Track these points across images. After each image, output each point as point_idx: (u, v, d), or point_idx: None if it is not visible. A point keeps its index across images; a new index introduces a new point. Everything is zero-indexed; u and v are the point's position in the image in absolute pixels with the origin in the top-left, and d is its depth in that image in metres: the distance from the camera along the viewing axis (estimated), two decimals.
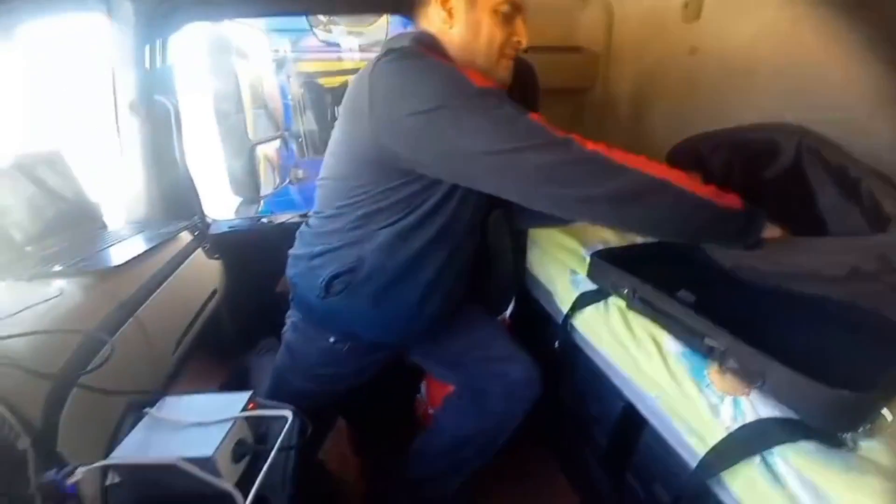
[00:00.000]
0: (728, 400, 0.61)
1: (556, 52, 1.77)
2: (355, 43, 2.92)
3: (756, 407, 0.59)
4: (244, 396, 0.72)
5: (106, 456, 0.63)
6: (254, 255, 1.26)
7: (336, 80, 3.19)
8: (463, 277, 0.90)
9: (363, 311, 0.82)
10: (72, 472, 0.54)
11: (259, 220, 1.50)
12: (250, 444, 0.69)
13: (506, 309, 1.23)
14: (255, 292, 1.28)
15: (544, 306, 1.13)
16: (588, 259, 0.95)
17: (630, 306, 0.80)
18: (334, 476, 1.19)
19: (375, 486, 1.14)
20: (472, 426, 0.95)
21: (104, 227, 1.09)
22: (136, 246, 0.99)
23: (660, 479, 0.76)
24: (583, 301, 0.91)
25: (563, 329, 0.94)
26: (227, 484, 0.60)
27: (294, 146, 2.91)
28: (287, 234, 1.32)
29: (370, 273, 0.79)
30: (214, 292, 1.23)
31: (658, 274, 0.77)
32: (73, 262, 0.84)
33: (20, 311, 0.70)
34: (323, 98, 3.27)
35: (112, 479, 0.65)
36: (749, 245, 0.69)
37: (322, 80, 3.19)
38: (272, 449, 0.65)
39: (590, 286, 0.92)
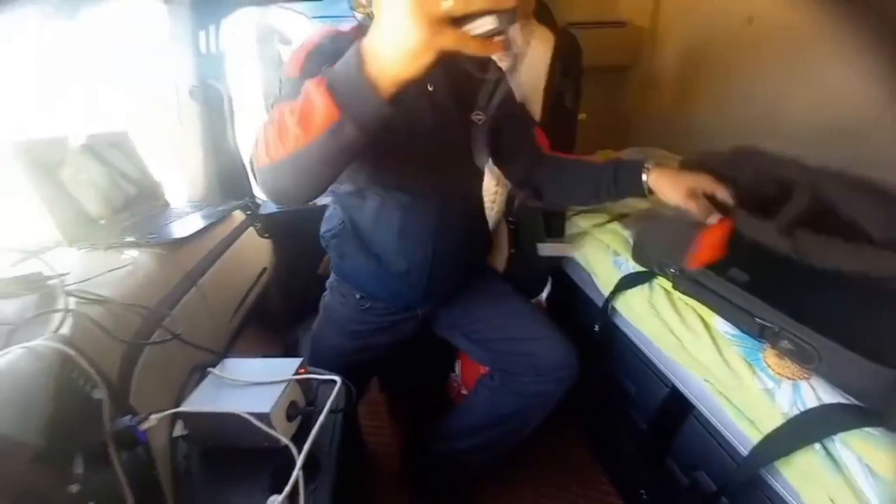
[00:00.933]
0: (786, 384, 0.58)
1: (597, 27, 1.69)
2: None
3: (818, 391, 0.56)
4: (296, 362, 0.77)
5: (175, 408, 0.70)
6: (299, 236, 1.31)
7: None
8: (445, 237, 0.83)
9: (358, 267, 0.87)
10: (144, 419, 0.59)
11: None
12: (302, 406, 0.74)
13: (542, 291, 1.21)
14: (301, 272, 1.33)
15: (583, 289, 1.11)
16: (632, 241, 0.93)
17: (677, 287, 0.77)
18: (370, 441, 1.24)
19: (408, 453, 1.18)
20: (504, 409, 0.95)
21: (167, 204, 1.17)
22: (195, 222, 1.06)
23: (705, 465, 0.74)
24: (626, 283, 0.89)
25: (604, 311, 0.93)
26: (284, 438, 0.64)
27: None
28: None
29: (351, 230, 0.85)
30: (265, 270, 1.30)
31: None
32: (143, 234, 0.92)
33: (100, 274, 0.77)
34: None
35: (180, 431, 0.71)
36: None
37: None
38: (321, 411, 0.69)
39: (633, 268, 0.90)
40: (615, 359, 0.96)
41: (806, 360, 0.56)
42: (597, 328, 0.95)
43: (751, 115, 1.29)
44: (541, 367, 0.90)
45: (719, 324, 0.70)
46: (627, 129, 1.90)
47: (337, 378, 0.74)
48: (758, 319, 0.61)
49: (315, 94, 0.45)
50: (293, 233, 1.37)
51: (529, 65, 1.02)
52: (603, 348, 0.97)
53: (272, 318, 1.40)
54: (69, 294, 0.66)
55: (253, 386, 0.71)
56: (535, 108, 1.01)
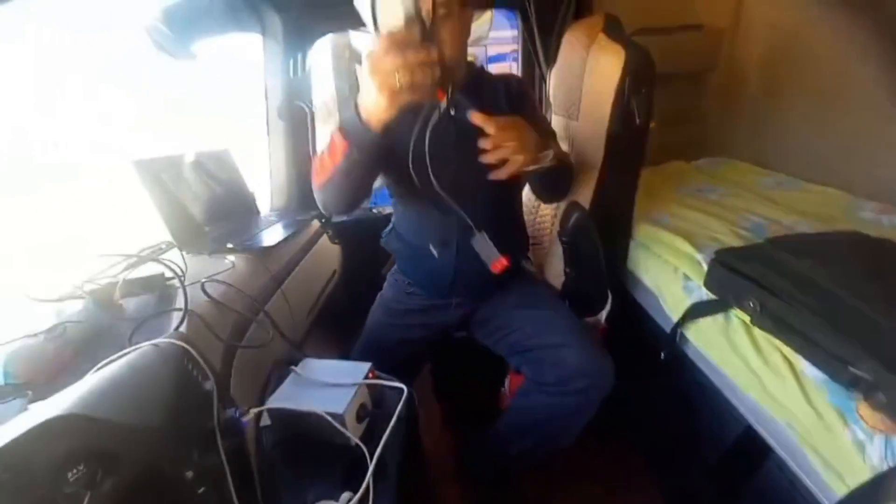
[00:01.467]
0: (879, 438, 0.53)
1: (671, 33, 1.61)
2: None
3: None
4: (366, 366, 0.83)
5: (259, 402, 0.79)
6: (364, 242, 1.41)
7: None
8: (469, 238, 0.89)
9: (400, 254, 1.09)
10: (246, 412, 0.68)
11: (370, 210, 1.66)
12: (370, 408, 0.80)
13: (601, 310, 1.19)
14: (365, 273, 1.43)
15: (649, 311, 1.07)
16: (704, 265, 0.88)
17: (756, 322, 0.72)
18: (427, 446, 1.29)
19: (463, 459, 1.21)
20: (535, 415, 0.95)
21: (258, 213, 1.32)
22: (280, 231, 1.18)
23: None
24: (697, 311, 0.85)
25: (672, 339, 0.89)
26: (355, 437, 0.70)
27: None
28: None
29: (395, 228, 1.08)
30: (335, 272, 1.41)
31: (797, 279, 0.68)
32: (240, 242, 1.04)
33: (208, 277, 0.89)
34: None
35: (265, 421, 0.80)
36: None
37: None
38: (390, 414, 0.75)
39: (705, 295, 0.85)
40: (684, 389, 0.91)
41: None
42: (663, 356, 0.91)
43: (845, 123, 1.16)
44: (563, 375, 0.88)
45: (806, 366, 0.65)
46: (704, 138, 1.78)
47: (403, 386, 0.79)
48: (851, 370, 0.56)
49: (336, 135, 0.74)
50: (359, 239, 1.47)
51: (597, 79, 1.01)
52: (669, 376, 0.93)
53: (339, 317, 1.51)
54: (187, 293, 0.77)
55: (329, 387, 0.78)
56: (602, 124, 0.99)
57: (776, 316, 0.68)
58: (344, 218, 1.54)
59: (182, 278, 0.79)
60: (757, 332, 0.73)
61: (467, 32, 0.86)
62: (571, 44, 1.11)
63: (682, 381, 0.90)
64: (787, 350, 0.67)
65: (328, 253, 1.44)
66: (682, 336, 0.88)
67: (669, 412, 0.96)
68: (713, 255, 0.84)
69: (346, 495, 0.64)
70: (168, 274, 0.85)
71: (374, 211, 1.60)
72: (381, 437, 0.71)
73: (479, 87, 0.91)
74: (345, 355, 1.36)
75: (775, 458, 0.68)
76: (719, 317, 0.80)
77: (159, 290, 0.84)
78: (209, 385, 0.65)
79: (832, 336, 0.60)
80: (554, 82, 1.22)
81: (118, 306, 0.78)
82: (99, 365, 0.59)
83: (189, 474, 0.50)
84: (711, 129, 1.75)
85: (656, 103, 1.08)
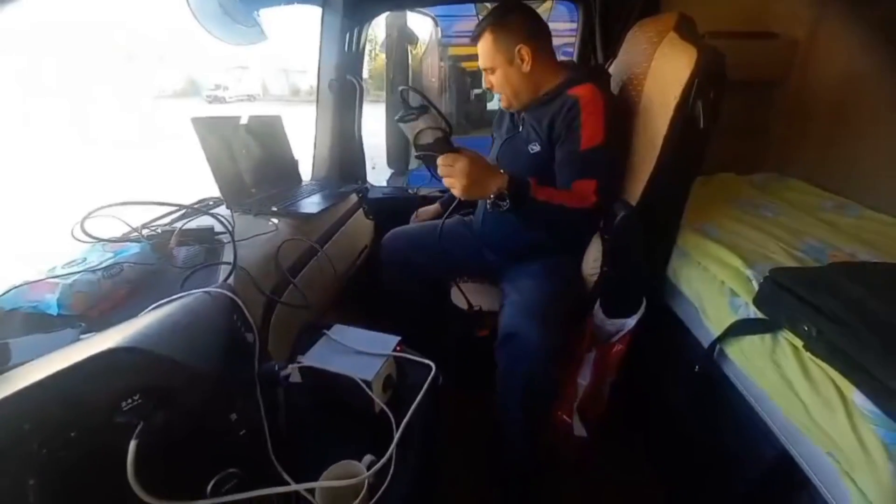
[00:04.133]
0: None
1: (742, 38, 1.52)
2: None
3: None
4: (395, 339, 0.85)
5: (290, 360, 0.81)
6: (398, 219, 1.42)
7: (476, 65, 3.33)
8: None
9: None
10: (284, 367, 0.70)
11: (406, 190, 1.67)
12: (395, 380, 0.81)
13: (634, 314, 1.16)
14: None
15: (685, 322, 1.04)
16: (754, 282, 0.84)
17: (809, 347, 0.69)
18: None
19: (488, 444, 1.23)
20: (502, 381, 1.02)
21: (300, 180, 1.34)
22: (321, 200, 1.20)
23: None
24: (741, 328, 0.81)
25: (710, 353, 0.86)
26: (382, 404, 0.72)
27: None
28: (427, 204, 1.46)
29: None
30: (366, 247, 1.43)
31: (857, 307, 0.64)
32: (284, 206, 1.07)
33: (252, 236, 0.92)
34: (463, 80, 3.43)
35: (295, 378, 0.83)
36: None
37: (465, 64, 3.35)
38: (415, 388, 0.76)
39: (753, 313, 0.82)
40: (716, 406, 0.88)
41: None
42: (697, 369, 0.89)
43: None
44: (500, 332, 0.99)
45: (858, 397, 0.61)
46: (766, 152, 1.69)
47: (432, 364, 0.80)
48: None
49: None
50: (393, 216, 1.48)
51: (663, 78, 0.97)
52: (701, 391, 0.90)
53: (366, 291, 1.54)
54: (236, 248, 0.80)
55: (359, 354, 0.80)
56: (661, 124, 0.95)
57: (832, 343, 0.64)
58: (379, 195, 1.56)
59: (233, 234, 0.82)
60: (806, 356, 0.69)
61: (517, 75, 1.07)
62: (639, 39, 1.07)
63: (716, 399, 0.87)
64: (838, 378, 0.64)
65: (363, 227, 1.46)
66: (721, 352, 0.85)
67: (697, 429, 0.93)
68: (768, 272, 0.80)
69: (368, 458, 0.65)
70: (218, 228, 0.88)
71: (410, 191, 1.60)
72: (405, 409, 0.72)
73: (544, 106, 1.06)
74: (370, 327, 1.40)
75: (811, 489, 0.65)
76: (767, 337, 0.76)
77: (209, 243, 0.87)
78: (251, 337, 0.68)
79: (888, 368, 0.56)
80: (616, 78, 1.18)
81: (171, 253, 0.82)
82: (155, 304, 0.62)
83: (233, 416, 0.53)
84: (771, 143, 1.66)
85: (727, 111, 1.03)
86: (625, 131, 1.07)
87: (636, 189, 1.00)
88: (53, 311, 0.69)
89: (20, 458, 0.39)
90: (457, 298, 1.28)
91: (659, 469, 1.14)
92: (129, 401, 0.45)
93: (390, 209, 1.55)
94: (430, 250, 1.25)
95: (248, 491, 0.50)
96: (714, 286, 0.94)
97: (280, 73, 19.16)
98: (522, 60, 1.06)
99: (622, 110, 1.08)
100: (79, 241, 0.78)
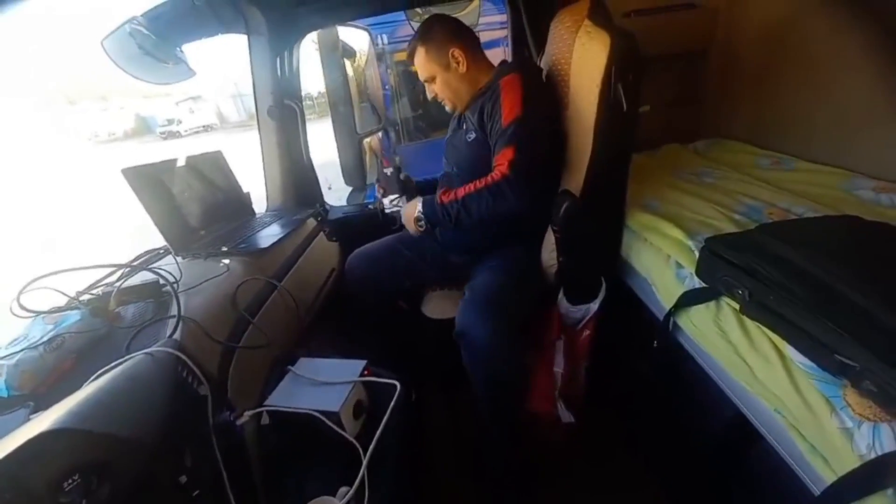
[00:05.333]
0: (866, 425, 0.53)
1: (664, 13, 1.57)
2: None
3: None
4: (361, 364, 0.85)
5: (259, 402, 0.81)
6: (364, 236, 1.41)
7: None
8: None
9: None
10: (240, 415, 0.70)
11: (367, 206, 1.66)
12: (366, 404, 0.82)
13: (595, 298, 1.19)
14: None
15: (641, 299, 1.07)
16: (696, 252, 0.88)
17: (745, 311, 0.72)
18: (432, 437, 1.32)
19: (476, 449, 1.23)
20: (471, 373, 1.03)
21: (252, 213, 1.32)
22: (277, 230, 1.19)
23: (772, 498, 0.70)
24: (689, 298, 0.84)
25: (664, 327, 0.89)
26: (350, 436, 0.72)
27: (392, 134, 3.09)
28: (390, 219, 1.46)
29: None
30: (333, 270, 1.42)
31: (786, 267, 0.67)
32: (234, 244, 1.05)
33: (202, 282, 0.90)
34: (416, 85, 3.42)
35: (265, 420, 0.82)
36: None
37: (413, 68, 3.33)
38: (385, 410, 0.76)
39: (698, 283, 0.85)
40: (675, 378, 0.91)
41: (889, 403, 0.51)
42: (655, 343, 0.92)
43: (846, 103, 1.13)
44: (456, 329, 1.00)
45: (794, 353, 0.64)
46: (705, 119, 1.74)
47: (396, 382, 0.80)
48: (838, 357, 0.56)
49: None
50: (356, 235, 1.48)
51: (584, 67, 0.99)
52: (661, 366, 0.93)
53: (340, 314, 1.53)
54: (179, 301, 0.79)
55: (324, 385, 0.80)
56: (590, 112, 0.97)
57: (764, 304, 0.68)
58: (339, 215, 1.55)
59: (175, 285, 0.80)
60: (747, 320, 0.73)
61: (455, 77, 1.13)
62: (558, 31, 1.09)
63: (675, 369, 0.90)
64: (776, 338, 0.67)
65: (326, 250, 1.45)
66: (675, 324, 0.88)
67: (662, 400, 0.97)
68: (704, 242, 0.83)
69: (343, 489, 0.66)
70: (162, 281, 0.86)
71: (371, 207, 1.60)
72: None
73: (478, 99, 1.12)
74: (346, 352, 1.39)
75: (764, 445, 0.69)
76: (711, 304, 0.80)
77: (155, 297, 0.85)
78: (204, 390, 0.67)
79: (819, 323, 0.59)
80: (545, 70, 1.20)
81: (115, 315, 0.80)
82: (94, 376, 0.60)
83: (183, 479, 0.52)
84: (709, 110, 1.71)
85: (652, 84, 1.06)
86: (556, 117, 1.10)
87: (578, 178, 1.02)
88: (3, 393, 0.67)
89: None
90: (428, 308, 1.29)
91: (636, 443, 1.18)
92: (70, 481, 0.45)
93: (353, 228, 1.54)
94: (395, 265, 1.27)
95: None
96: (661, 260, 0.97)
97: (235, 99, 18.78)
98: (458, 63, 1.12)
99: (554, 101, 1.10)
100: (17, 316, 0.76)
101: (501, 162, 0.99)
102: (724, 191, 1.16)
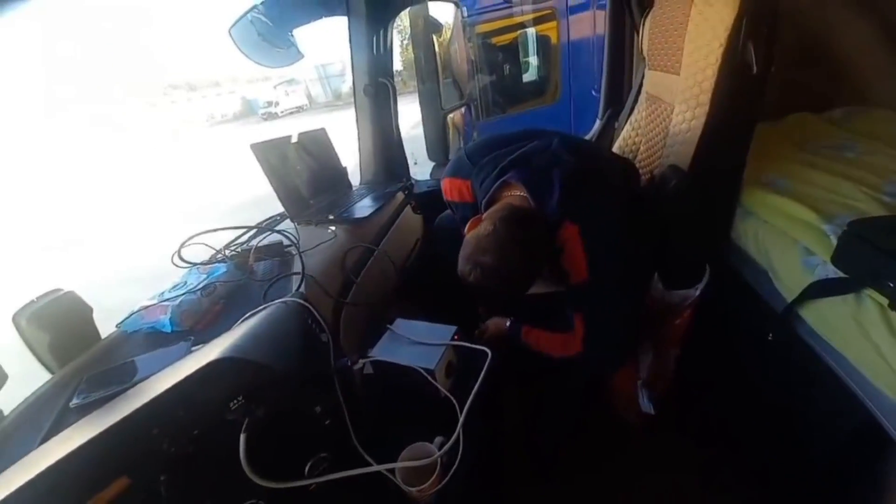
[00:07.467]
0: None
1: None
2: None
3: None
4: (452, 329, 0.90)
5: (361, 353, 0.90)
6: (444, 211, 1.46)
7: (507, 38, 3.20)
8: None
9: None
10: (355, 361, 0.79)
11: None
12: (456, 365, 0.87)
13: (696, 284, 1.10)
14: None
15: (754, 288, 0.97)
16: (833, 237, 0.77)
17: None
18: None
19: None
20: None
21: (350, 186, 1.44)
22: (370, 203, 1.28)
23: None
24: (819, 289, 0.75)
25: (784, 320, 0.81)
26: (444, 390, 0.78)
27: (473, 109, 3.08)
28: None
29: None
30: (417, 240, 1.49)
31: None
32: (338, 213, 1.17)
33: (317, 244, 1.01)
34: (495, 57, 3.32)
35: (367, 369, 0.92)
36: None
37: (494, 39, 3.25)
38: (470, 373, 0.81)
39: (832, 272, 0.75)
40: (794, 375, 0.83)
41: None
42: (771, 337, 0.83)
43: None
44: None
45: None
46: (835, 82, 1.46)
47: (487, 350, 0.84)
48: None
49: None
50: (439, 207, 1.53)
51: (702, 24, 0.89)
52: (775, 360, 0.85)
53: (423, 282, 1.61)
54: (303, 261, 0.90)
55: (421, 345, 0.87)
56: (704, 77, 0.88)
57: None
58: (424, 189, 1.61)
59: (298, 247, 0.91)
60: (894, 316, 0.63)
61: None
62: None
63: (793, 367, 0.82)
64: None
65: (412, 222, 1.53)
66: (798, 316, 0.79)
67: (773, 399, 0.88)
68: (846, 226, 0.73)
69: (439, 439, 0.72)
70: (286, 242, 0.99)
71: None
72: (467, 392, 0.77)
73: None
74: (429, 317, 1.47)
75: None
76: (849, 298, 0.70)
77: (280, 256, 0.99)
78: (325, 337, 0.77)
79: None
80: (649, 32, 1.10)
81: (251, 268, 0.94)
82: (244, 317, 0.73)
83: (317, 409, 0.61)
84: (848, 70, 1.43)
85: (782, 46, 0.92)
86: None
87: (686, 151, 0.94)
88: (167, 328, 0.83)
89: (152, 458, 0.49)
90: None
91: (731, 442, 1.10)
92: (235, 401, 0.55)
93: (436, 201, 1.59)
94: None
95: (337, 472, 0.59)
96: (785, 245, 0.87)
97: (321, 81, 19.96)
98: None
99: (664, 69, 1.01)
100: (177, 266, 0.92)
101: (576, 327, 0.90)
102: (870, 167, 0.99)
